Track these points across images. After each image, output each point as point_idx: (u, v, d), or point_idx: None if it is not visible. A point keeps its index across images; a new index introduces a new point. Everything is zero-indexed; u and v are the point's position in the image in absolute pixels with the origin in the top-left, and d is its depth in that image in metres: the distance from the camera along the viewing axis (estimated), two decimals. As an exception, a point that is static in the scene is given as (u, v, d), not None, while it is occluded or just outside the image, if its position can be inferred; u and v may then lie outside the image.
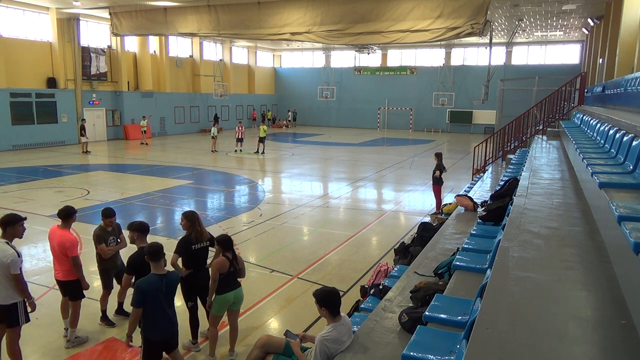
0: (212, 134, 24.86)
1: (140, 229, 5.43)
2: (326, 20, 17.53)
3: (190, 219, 5.69)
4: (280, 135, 35.92)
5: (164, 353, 4.75)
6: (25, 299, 4.86)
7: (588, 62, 26.35)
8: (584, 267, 3.12)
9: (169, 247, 5.83)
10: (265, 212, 12.42)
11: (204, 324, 5.86)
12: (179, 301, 5.78)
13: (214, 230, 10.53)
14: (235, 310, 5.55)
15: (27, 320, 4.97)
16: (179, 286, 5.04)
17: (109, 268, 6.23)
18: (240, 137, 24.45)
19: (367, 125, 42.55)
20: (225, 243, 5.33)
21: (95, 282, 7.56)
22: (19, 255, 4.72)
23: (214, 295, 5.31)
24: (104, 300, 6.24)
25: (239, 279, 5.50)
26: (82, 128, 23.87)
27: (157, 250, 4.53)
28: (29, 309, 4.95)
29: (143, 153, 24.74)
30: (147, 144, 27.76)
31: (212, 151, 24.38)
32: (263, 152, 23.92)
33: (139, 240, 5.40)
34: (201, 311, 5.90)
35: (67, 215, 5.60)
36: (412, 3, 16.06)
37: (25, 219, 4.97)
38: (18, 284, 4.73)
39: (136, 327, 4.54)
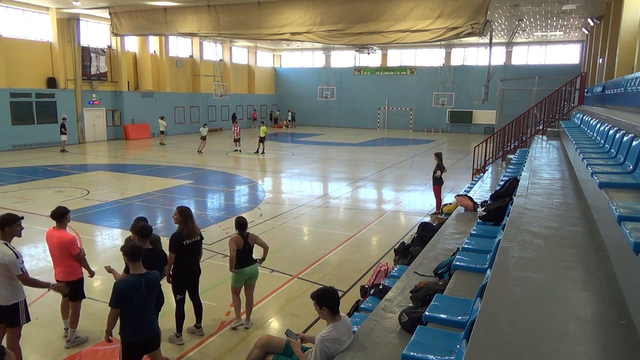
0: (201, 134, 24.49)
1: (140, 233, 5.24)
2: (326, 20, 17.53)
3: (184, 214, 5.90)
4: (280, 135, 35.92)
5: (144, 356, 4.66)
6: (46, 289, 4.95)
7: (588, 62, 26.35)
8: (584, 267, 3.12)
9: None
10: (265, 212, 12.42)
11: (190, 318, 6.00)
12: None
13: (214, 230, 10.56)
14: (251, 285, 6.27)
15: (28, 320, 4.98)
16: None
17: None
18: (237, 137, 24.45)
19: (367, 125, 42.55)
20: (239, 225, 6.16)
21: (95, 283, 7.57)
22: (17, 255, 4.70)
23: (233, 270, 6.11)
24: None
25: (262, 251, 6.31)
26: (63, 126, 23.45)
27: (136, 251, 4.48)
28: (55, 291, 5.10)
29: (143, 153, 24.75)
30: (164, 144, 27.78)
31: (199, 152, 24.00)
32: (263, 152, 23.89)
33: (140, 243, 5.20)
34: (188, 305, 5.97)
35: (60, 215, 5.60)
36: (412, 3, 16.06)
37: (22, 218, 4.94)
38: (26, 282, 4.78)
39: (114, 325, 4.44)
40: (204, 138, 24.41)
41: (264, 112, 44.54)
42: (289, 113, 44.01)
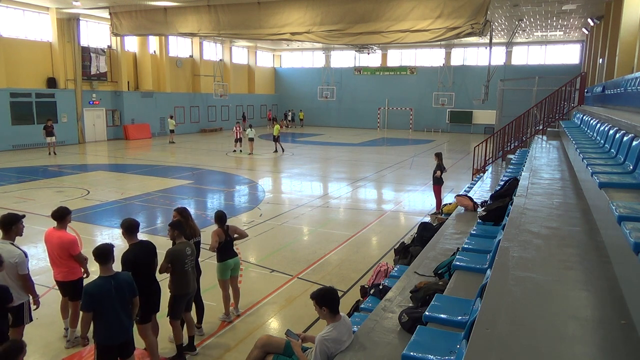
0: (249, 136, 23.77)
1: (127, 228, 5.10)
2: (326, 20, 17.53)
3: (184, 215, 5.95)
4: (280, 135, 35.83)
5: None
6: (32, 297, 4.94)
7: (588, 62, 26.35)
8: (584, 267, 3.12)
9: (169, 246, 5.84)
10: (265, 212, 12.41)
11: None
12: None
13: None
14: (235, 275, 6.51)
15: (31, 320, 5.01)
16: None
17: (182, 295, 5.49)
18: (238, 137, 24.41)
19: (367, 125, 42.54)
20: (219, 217, 6.32)
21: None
22: (25, 255, 4.79)
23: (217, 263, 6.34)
24: (177, 333, 5.50)
25: (242, 241, 6.68)
26: (45, 127, 22.52)
27: (105, 252, 4.38)
28: (33, 307, 5.00)
29: (143, 153, 24.75)
30: (174, 142, 28.18)
31: (249, 154, 23.66)
32: (276, 151, 24.16)
33: (128, 238, 5.17)
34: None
35: (61, 215, 5.61)
36: (412, 3, 16.06)
37: (24, 216, 5.01)
38: (26, 283, 4.81)
39: (89, 329, 4.40)
40: (251, 140, 23.84)
41: (263, 112, 44.52)
42: (290, 113, 43.99)
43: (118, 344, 4.48)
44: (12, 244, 4.78)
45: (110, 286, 4.34)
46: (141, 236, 5.51)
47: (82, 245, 8.71)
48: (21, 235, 4.96)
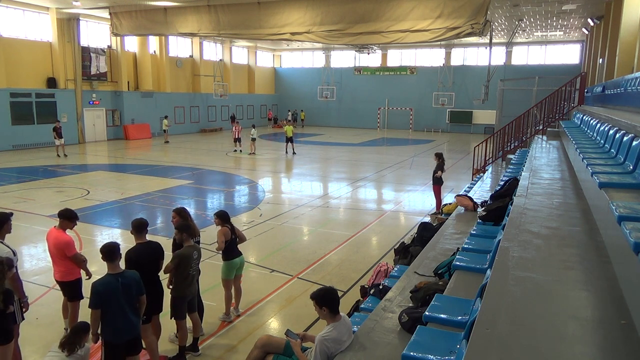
0: (252, 136, 23.76)
1: (135, 227, 5.19)
2: (326, 20, 17.53)
3: (183, 215, 5.95)
4: (280, 135, 35.88)
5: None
6: (19, 299, 4.87)
7: (588, 62, 26.35)
8: (584, 267, 3.12)
9: (170, 247, 5.84)
10: (265, 212, 12.41)
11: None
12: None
13: (214, 230, 10.52)
14: (239, 275, 6.49)
15: (23, 318, 4.98)
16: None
17: (182, 297, 5.47)
18: (237, 136, 24.37)
19: (367, 125, 42.54)
20: (224, 216, 6.27)
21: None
22: (14, 253, 4.77)
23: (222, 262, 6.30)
24: (182, 333, 5.50)
25: (241, 244, 6.49)
26: (55, 130, 21.82)
27: (112, 250, 4.42)
28: (22, 309, 4.97)
29: (143, 153, 24.75)
30: (168, 142, 28.42)
31: (250, 154, 23.65)
32: (294, 152, 23.79)
33: (136, 237, 5.24)
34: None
35: (64, 216, 5.62)
36: (412, 3, 16.07)
37: (12, 214, 5.07)
38: (14, 282, 4.76)
39: (99, 326, 4.40)
40: (254, 140, 23.82)
41: (264, 112, 44.54)
42: (289, 113, 44.00)
43: (125, 342, 4.50)
44: (2, 242, 4.79)
45: (118, 284, 4.37)
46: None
47: (82, 245, 8.72)
48: (9, 232, 4.96)
